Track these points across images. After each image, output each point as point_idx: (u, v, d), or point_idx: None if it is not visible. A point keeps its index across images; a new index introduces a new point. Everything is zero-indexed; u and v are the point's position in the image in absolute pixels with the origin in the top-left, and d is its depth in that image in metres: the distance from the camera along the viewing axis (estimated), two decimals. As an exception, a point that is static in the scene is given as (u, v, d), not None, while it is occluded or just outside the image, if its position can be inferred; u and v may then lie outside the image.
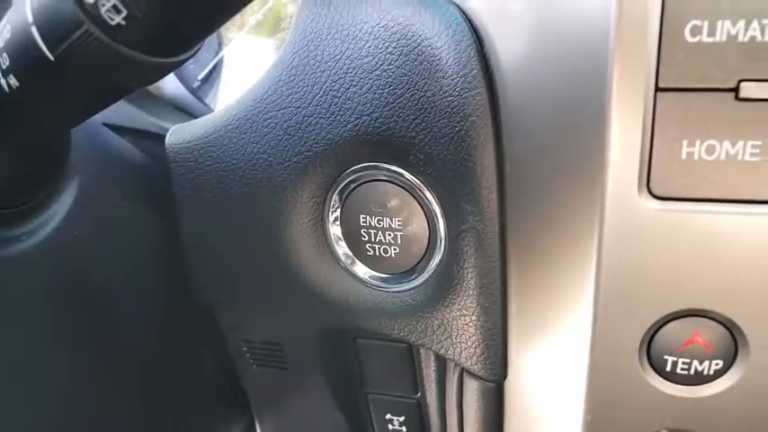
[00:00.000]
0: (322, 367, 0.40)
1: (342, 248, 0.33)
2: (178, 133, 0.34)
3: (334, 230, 0.33)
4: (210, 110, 0.47)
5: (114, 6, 0.18)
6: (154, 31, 0.19)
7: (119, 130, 0.38)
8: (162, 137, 0.35)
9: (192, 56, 0.23)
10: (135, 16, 0.18)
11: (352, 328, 0.36)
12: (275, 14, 0.43)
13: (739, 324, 0.23)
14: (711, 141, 0.22)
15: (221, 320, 0.39)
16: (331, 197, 0.32)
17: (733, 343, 0.24)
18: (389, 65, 0.29)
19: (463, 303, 0.31)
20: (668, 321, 0.24)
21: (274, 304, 0.36)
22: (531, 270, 0.29)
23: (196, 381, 0.41)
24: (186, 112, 0.47)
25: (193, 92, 0.47)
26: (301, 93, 0.31)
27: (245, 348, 0.40)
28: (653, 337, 0.25)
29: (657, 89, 0.21)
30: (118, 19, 0.19)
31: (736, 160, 0.22)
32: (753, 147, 0.21)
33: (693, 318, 0.24)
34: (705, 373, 0.24)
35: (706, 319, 0.24)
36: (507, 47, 0.27)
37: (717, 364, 0.24)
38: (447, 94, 0.28)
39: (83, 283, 0.31)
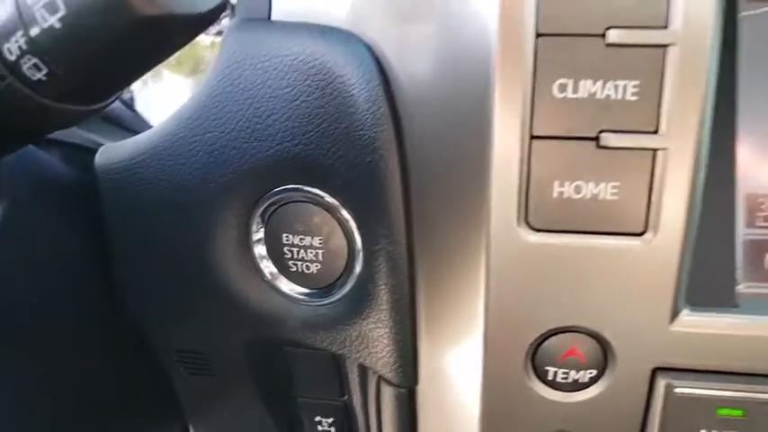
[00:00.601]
0: (252, 374, 0.43)
1: (267, 266, 0.36)
2: (107, 153, 0.36)
3: (259, 250, 0.36)
4: (142, 119, 0.49)
5: (35, 65, 0.21)
6: (74, 84, 0.21)
7: (48, 144, 0.39)
8: (92, 150, 0.36)
9: (114, 100, 0.25)
10: (55, 73, 0.21)
11: (279, 339, 0.39)
12: (194, 57, 0.45)
13: (607, 338, 0.27)
14: (578, 182, 0.25)
15: (152, 333, 0.41)
16: (255, 218, 0.35)
17: (603, 354, 0.28)
18: (308, 96, 0.32)
19: (377, 317, 0.34)
20: (549, 336, 0.28)
21: (203, 319, 0.38)
22: (437, 288, 0.32)
23: (129, 390, 0.43)
24: (117, 124, 0.48)
25: (125, 102, 0.48)
26: (225, 118, 0.33)
27: (175, 358, 0.43)
28: (537, 349, 0.28)
29: (532, 137, 0.25)
30: (39, 75, 0.21)
31: (599, 198, 0.26)
32: (612, 187, 0.25)
33: (570, 333, 0.28)
34: (581, 380, 0.28)
35: (580, 334, 0.28)
36: (410, 84, 0.30)
37: (591, 373, 0.28)
38: (359, 127, 0.31)
39: (10, 303, 0.33)
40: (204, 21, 0.21)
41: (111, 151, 0.36)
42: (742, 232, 0.29)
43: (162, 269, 0.37)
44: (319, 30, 0.32)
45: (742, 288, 0.29)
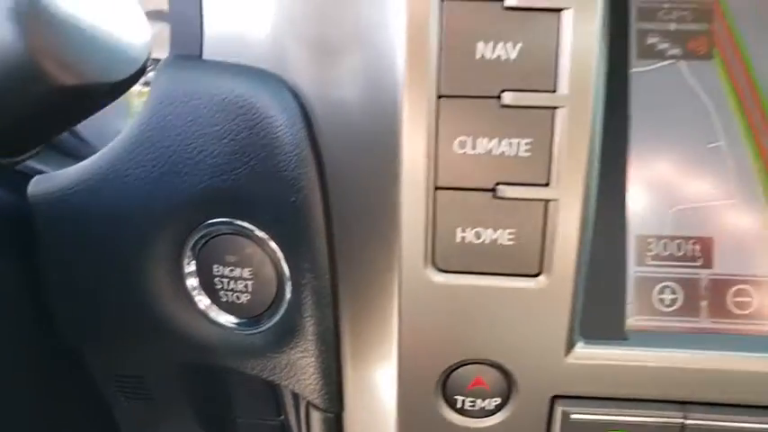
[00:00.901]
0: (191, 398, 0.45)
1: (199, 296, 0.38)
2: (41, 183, 0.37)
3: (191, 281, 0.37)
4: (88, 144, 0.49)
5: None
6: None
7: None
8: (29, 176, 0.37)
9: (39, 151, 0.27)
10: None
11: (214, 365, 0.41)
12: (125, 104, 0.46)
13: (509, 369, 0.30)
14: (478, 229, 0.28)
15: (88, 359, 0.42)
16: (186, 250, 0.37)
17: (507, 384, 0.31)
18: (236, 135, 0.33)
19: (304, 347, 0.36)
20: (457, 368, 0.30)
21: (140, 346, 0.40)
22: (360, 319, 0.35)
23: (64, 420, 0.44)
24: (59, 150, 0.49)
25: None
26: (158, 152, 0.35)
27: (115, 384, 0.44)
28: (447, 379, 0.31)
29: (436, 188, 0.28)
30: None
31: (498, 243, 0.28)
32: (509, 233, 0.28)
33: (476, 365, 0.30)
34: (487, 408, 0.31)
35: (485, 366, 0.30)
36: (332, 127, 0.32)
37: (496, 401, 0.31)
38: (284, 168, 0.33)
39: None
40: (120, 88, 0.23)
41: (45, 182, 0.37)
42: (633, 270, 0.32)
43: (96, 298, 0.38)
44: (247, 71, 0.34)
45: (632, 321, 0.32)
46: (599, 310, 0.30)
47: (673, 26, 0.33)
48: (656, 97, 0.32)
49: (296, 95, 0.32)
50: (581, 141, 0.26)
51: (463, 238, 0.28)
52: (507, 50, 0.26)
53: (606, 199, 0.31)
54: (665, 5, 0.33)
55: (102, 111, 0.33)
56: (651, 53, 0.32)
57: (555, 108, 0.26)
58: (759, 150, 0.32)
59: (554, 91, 0.26)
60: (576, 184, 0.27)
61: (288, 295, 0.36)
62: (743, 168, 0.32)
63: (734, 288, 0.32)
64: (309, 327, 0.34)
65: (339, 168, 0.31)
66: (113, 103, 0.34)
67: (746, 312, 0.32)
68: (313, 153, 0.31)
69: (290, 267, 0.34)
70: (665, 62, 0.32)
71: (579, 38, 0.26)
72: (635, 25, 0.32)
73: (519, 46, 0.26)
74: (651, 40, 0.32)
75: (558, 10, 0.26)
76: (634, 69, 0.32)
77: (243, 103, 0.33)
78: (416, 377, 0.30)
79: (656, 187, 0.32)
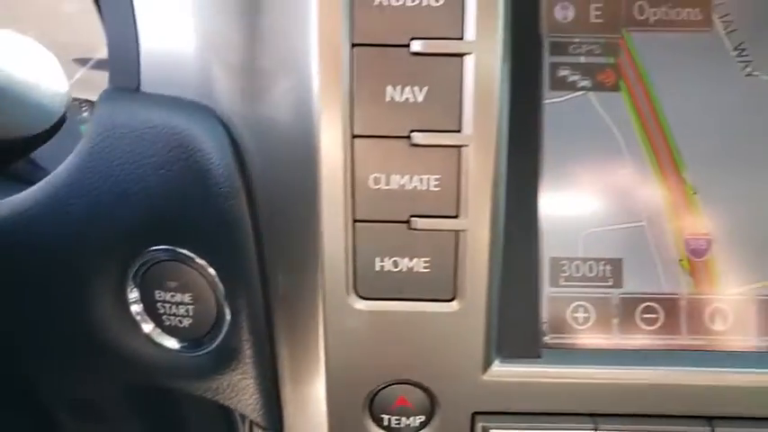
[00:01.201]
0: (142, 419, 0.46)
1: (143, 321, 0.39)
2: (-20, 213, 0.38)
3: (135, 307, 0.39)
4: (37, 166, 0.50)
5: None
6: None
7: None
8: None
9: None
10: None
11: (162, 387, 0.42)
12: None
13: (431, 388, 0.32)
14: (396, 258, 0.30)
15: (39, 385, 0.43)
16: (129, 276, 0.38)
17: (430, 402, 0.33)
18: (171, 166, 0.35)
19: (244, 369, 0.38)
20: (383, 388, 0.32)
21: (88, 372, 0.41)
22: (296, 342, 0.36)
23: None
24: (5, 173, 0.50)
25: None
26: (98, 183, 0.36)
27: (65, 407, 0.45)
28: (374, 399, 0.33)
29: (355, 221, 0.30)
30: None
31: (414, 271, 0.30)
32: (424, 262, 0.30)
33: (400, 385, 0.32)
34: (412, 425, 0.33)
35: (408, 386, 0.32)
36: (262, 159, 0.34)
37: (420, 419, 0.33)
38: (216, 198, 0.34)
39: None
40: (38, 141, 0.24)
41: (-15, 211, 0.38)
42: (547, 291, 0.34)
43: (42, 326, 0.39)
44: (181, 103, 0.35)
45: (548, 339, 0.34)
46: (515, 330, 0.33)
47: (583, 59, 0.35)
48: (567, 126, 0.34)
49: (226, 126, 0.34)
50: (486, 176, 0.29)
51: (382, 266, 0.29)
52: (415, 93, 0.28)
53: (520, 225, 0.33)
54: (576, 40, 0.35)
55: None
56: (563, 85, 0.35)
57: (461, 146, 0.28)
58: (662, 175, 0.34)
59: (459, 131, 0.28)
60: (484, 215, 0.29)
61: (227, 319, 0.37)
62: (649, 192, 0.34)
63: (642, 305, 0.34)
64: (247, 349, 0.36)
65: (269, 197, 0.33)
66: (66, 126, 0.35)
67: (654, 328, 0.34)
68: (243, 183, 0.33)
69: (226, 293, 0.36)
70: (576, 93, 0.35)
71: (481, 80, 0.28)
72: (547, 59, 0.35)
73: (425, 89, 0.28)
74: (563, 73, 0.35)
75: (461, 55, 0.28)
76: (547, 100, 0.34)
77: (177, 134, 0.34)
78: (344, 398, 0.32)
79: (569, 212, 0.34)
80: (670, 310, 0.34)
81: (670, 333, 0.34)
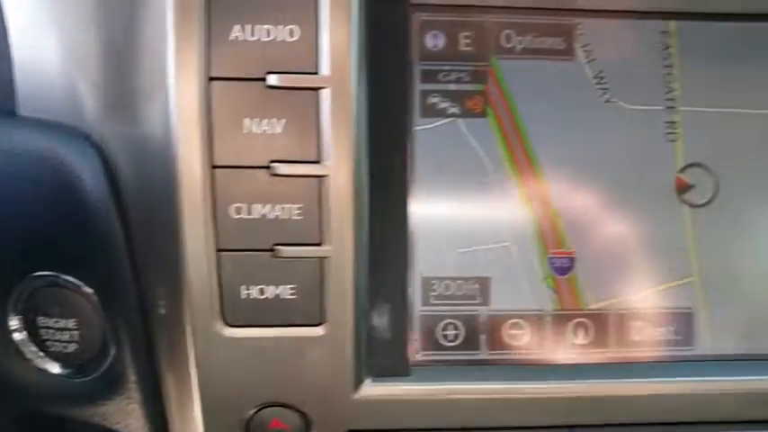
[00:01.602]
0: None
1: (28, 348, 0.39)
2: None
3: (18, 335, 0.38)
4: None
5: None
6: None
7: None
8: None
9: None
10: None
11: (50, 414, 0.42)
12: None
13: (304, 410, 0.33)
14: (261, 286, 0.31)
15: None
16: (11, 303, 0.38)
17: (305, 422, 0.33)
18: (50, 191, 0.35)
19: (129, 394, 0.38)
20: (257, 411, 0.33)
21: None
22: (178, 366, 0.37)
23: None
24: None
25: None
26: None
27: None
28: (250, 422, 0.33)
29: (218, 250, 0.30)
30: None
31: (281, 298, 0.31)
32: (291, 288, 0.31)
33: (274, 408, 0.33)
34: (286, 445, 0.34)
35: (282, 408, 0.33)
36: (135, 183, 0.34)
37: (294, 440, 0.34)
38: (92, 221, 0.34)
39: None
40: None
41: None
42: (418, 309, 0.35)
43: None
44: (56, 127, 0.35)
45: (419, 357, 0.35)
46: (386, 349, 0.34)
47: (452, 87, 0.36)
48: (437, 152, 0.36)
49: (100, 148, 0.34)
50: (347, 204, 0.30)
51: (248, 294, 0.30)
52: (273, 125, 0.29)
53: (391, 246, 0.34)
54: (446, 68, 0.36)
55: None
56: (433, 112, 0.36)
57: (321, 176, 0.29)
58: (527, 197, 0.36)
59: (319, 161, 0.29)
60: (347, 241, 0.30)
61: (112, 345, 0.37)
62: (514, 214, 0.36)
63: (509, 322, 0.36)
64: (131, 375, 0.36)
65: (144, 220, 0.33)
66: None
67: (520, 344, 0.36)
68: (116, 206, 0.33)
69: (107, 318, 0.36)
70: (446, 120, 0.36)
71: (339, 113, 0.29)
72: (418, 86, 0.36)
73: (283, 121, 0.29)
74: (433, 100, 0.36)
75: (317, 89, 0.29)
76: (417, 127, 0.36)
77: (53, 159, 0.34)
78: (220, 422, 0.33)
79: (440, 233, 0.36)
80: (535, 327, 0.36)
81: (536, 348, 0.36)
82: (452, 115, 0.36)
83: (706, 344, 0.37)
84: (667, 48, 0.37)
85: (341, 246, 0.30)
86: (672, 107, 0.37)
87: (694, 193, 0.37)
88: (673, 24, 0.37)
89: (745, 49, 0.38)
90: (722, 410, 0.35)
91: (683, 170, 0.37)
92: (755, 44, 0.38)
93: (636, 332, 0.36)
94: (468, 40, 0.37)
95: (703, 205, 0.37)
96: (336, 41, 0.28)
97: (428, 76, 0.36)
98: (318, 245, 0.30)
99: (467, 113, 0.36)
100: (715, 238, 0.37)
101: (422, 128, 0.36)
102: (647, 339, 0.36)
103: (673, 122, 0.37)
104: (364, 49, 0.30)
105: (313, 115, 0.29)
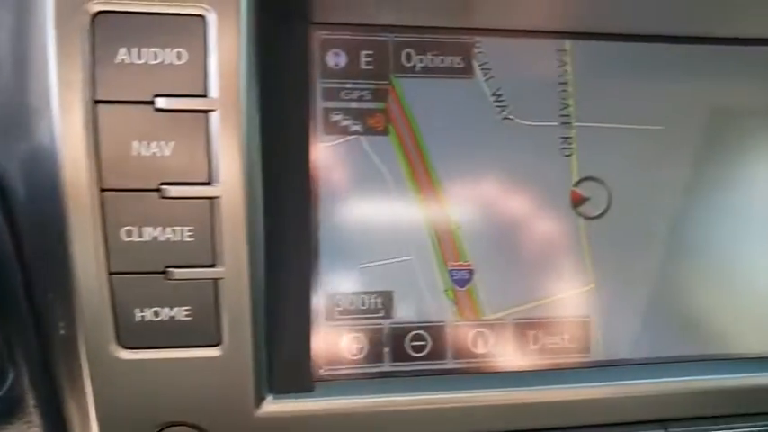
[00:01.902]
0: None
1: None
2: None
3: None
4: None
5: None
6: None
7: None
8: None
9: None
10: None
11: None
12: None
13: (206, 428, 0.33)
14: (156, 308, 0.31)
15: None
16: None
17: (206, 441, 0.33)
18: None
19: (29, 418, 0.37)
20: (161, 430, 0.33)
21: None
22: (78, 389, 0.36)
23: None
24: None
25: None
26: None
27: None
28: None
29: (110, 273, 0.30)
30: None
31: (176, 319, 0.31)
32: (186, 310, 0.31)
33: (176, 427, 0.33)
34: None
35: (185, 427, 0.33)
36: (29, 207, 0.33)
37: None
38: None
39: None
40: None
41: None
42: (322, 325, 0.36)
43: None
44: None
45: (323, 372, 0.36)
46: (289, 365, 0.34)
47: (354, 105, 0.37)
48: (340, 169, 0.36)
49: None
50: (240, 226, 0.30)
51: (143, 317, 0.30)
52: (162, 148, 0.29)
53: (294, 263, 0.35)
54: (347, 86, 0.37)
55: None
56: (335, 129, 0.37)
57: (213, 198, 0.29)
58: (428, 211, 0.37)
59: (209, 183, 0.29)
60: (242, 262, 0.30)
61: (9, 368, 0.36)
62: (416, 230, 0.37)
63: (411, 334, 0.37)
64: (30, 398, 0.36)
65: (37, 243, 0.33)
66: None
67: (422, 354, 0.37)
68: (10, 230, 0.32)
69: (4, 342, 0.35)
70: (348, 137, 0.37)
71: (228, 134, 0.29)
72: (320, 104, 0.36)
73: (172, 144, 0.29)
74: (335, 118, 0.37)
75: (206, 111, 0.29)
76: (320, 144, 0.36)
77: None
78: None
79: (343, 249, 0.36)
80: (437, 337, 0.37)
81: (437, 358, 0.37)
82: (355, 133, 0.37)
83: (601, 350, 0.38)
84: (563, 65, 0.39)
85: (235, 266, 0.30)
86: (567, 123, 0.39)
87: (589, 205, 0.39)
88: (568, 43, 0.39)
89: (636, 67, 0.40)
90: (618, 413, 0.37)
91: (578, 184, 0.38)
92: (645, 63, 0.40)
93: (534, 341, 0.38)
94: (369, 59, 0.37)
95: (598, 217, 0.39)
96: (225, 64, 0.29)
97: (330, 94, 0.37)
98: (212, 266, 0.30)
99: (369, 131, 0.37)
100: (609, 249, 0.39)
101: (325, 145, 0.36)
102: (545, 348, 0.38)
103: (568, 138, 0.38)
104: (257, 69, 0.30)
105: (202, 137, 0.29)
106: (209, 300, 0.30)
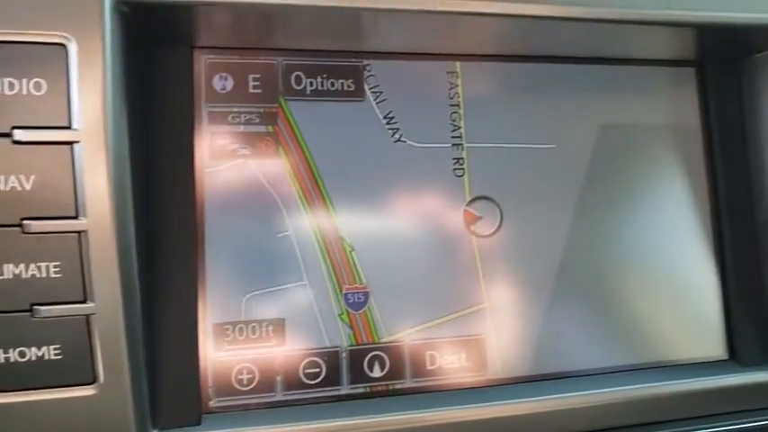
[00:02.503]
0: None
1: None
2: None
3: None
4: None
5: None
6: None
7: None
8: None
9: None
10: None
11: None
12: None
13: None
14: (22, 348, 0.29)
15: None
16: None
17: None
18: None
19: None
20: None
21: None
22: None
23: None
24: None
25: None
26: None
27: None
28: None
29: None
30: None
31: (45, 359, 0.29)
32: (54, 349, 0.29)
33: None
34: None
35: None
36: None
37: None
38: None
39: None
40: None
41: None
42: (211, 356, 0.35)
43: None
44: None
45: (212, 404, 0.35)
46: (175, 399, 0.33)
47: (242, 128, 0.36)
48: (229, 193, 0.36)
49: None
50: (112, 259, 0.29)
51: (7, 358, 0.29)
52: (21, 182, 0.27)
53: (178, 295, 0.34)
54: (234, 110, 0.36)
55: None
56: (223, 153, 0.36)
57: (80, 232, 0.28)
58: (321, 235, 0.37)
59: (76, 217, 0.28)
60: (114, 297, 0.29)
61: None
62: (309, 254, 0.37)
63: (305, 361, 0.36)
64: None
65: None
66: None
67: (317, 381, 0.36)
68: None
69: None
70: (237, 161, 0.36)
71: (95, 166, 0.28)
72: (207, 129, 0.36)
73: (33, 177, 0.28)
74: (222, 142, 0.36)
75: (70, 143, 0.28)
76: (208, 169, 0.35)
77: None
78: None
79: (233, 277, 0.35)
80: (331, 363, 0.36)
81: (332, 385, 0.36)
82: (243, 156, 0.36)
83: (497, 368, 0.39)
84: (454, 87, 0.39)
85: (108, 301, 0.29)
86: (458, 144, 0.39)
87: (481, 224, 0.39)
88: (458, 65, 0.39)
89: (526, 87, 0.41)
90: (516, 431, 0.38)
91: (470, 203, 0.39)
92: (535, 83, 0.41)
93: (430, 361, 0.38)
94: (257, 82, 0.37)
95: (490, 236, 0.39)
96: (89, 94, 0.28)
97: (217, 118, 0.36)
98: (83, 302, 0.29)
99: (258, 154, 0.36)
100: (502, 267, 0.39)
101: (211, 170, 0.36)
102: (442, 368, 0.38)
103: (459, 159, 0.39)
104: (128, 97, 0.29)
105: (67, 170, 0.28)
106: (81, 336, 0.29)
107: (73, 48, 0.27)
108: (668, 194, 0.42)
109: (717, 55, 0.42)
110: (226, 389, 0.35)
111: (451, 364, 0.38)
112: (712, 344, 0.42)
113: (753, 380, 0.40)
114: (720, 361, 0.42)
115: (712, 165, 0.43)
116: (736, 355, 0.42)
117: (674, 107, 0.43)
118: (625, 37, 0.39)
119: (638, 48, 0.41)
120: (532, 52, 0.41)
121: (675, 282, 0.42)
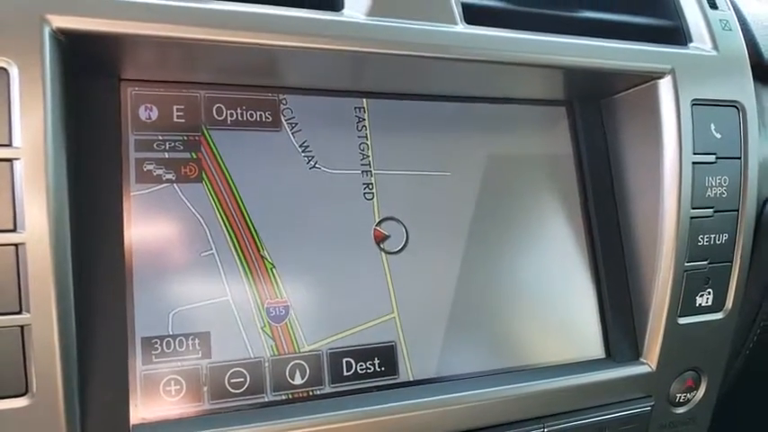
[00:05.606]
0: None
1: None
2: None
3: None
4: None
5: None
6: None
7: None
8: None
9: None
10: None
11: None
12: None
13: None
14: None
15: None
16: None
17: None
18: None
19: None
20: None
21: None
22: None
23: None
24: None
25: None
26: None
27: None
28: None
29: None
30: None
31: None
32: None
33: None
34: None
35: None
36: None
37: None
38: None
39: None
40: None
41: None
42: (139, 369, 0.37)
43: None
44: None
45: (142, 416, 0.37)
46: (103, 411, 0.35)
47: (167, 155, 0.40)
48: (154, 216, 0.39)
49: None
50: (47, 272, 0.31)
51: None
52: (-39, 197, 0.30)
53: (107, 310, 0.36)
54: (159, 137, 0.40)
55: None
56: (149, 178, 0.39)
57: (18, 245, 0.30)
58: (243, 254, 0.40)
59: (14, 230, 0.30)
60: (49, 309, 0.31)
61: None
62: (233, 271, 0.40)
63: (230, 371, 0.39)
64: None
65: None
66: None
67: (241, 390, 0.39)
68: None
69: None
70: (162, 185, 0.39)
71: (33, 183, 0.31)
72: (133, 155, 0.39)
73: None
74: (148, 167, 0.39)
75: (10, 160, 0.30)
76: (134, 193, 0.39)
77: None
78: None
79: (160, 294, 0.38)
80: (255, 373, 0.40)
81: (256, 393, 0.40)
82: (168, 181, 0.40)
83: (408, 371, 0.44)
84: (361, 120, 0.45)
85: (43, 313, 0.31)
86: (367, 171, 0.44)
87: (390, 242, 0.44)
88: (365, 101, 0.45)
89: (424, 121, 0.47)
90: (423, 429, 0.42)
91: (379, 223, 0.44)
92: (432, 118, 0.47)
93: (347, 368, 0.42)
94: (180, 113, 0.41)
95: (397, 252, 0.44)
96: (29, 115, 0.31)
97: (142, 145, 0.40)
98: (17, 313, 0.31)
99: (182, 179, 0.40)
100: (409, 280, 0.45)
101: (138, 193, 0.39)
102: (358, 373, 0.42)
103: (369, 184, 0.44)
104: (65, 120, 0.32)
105: (7, 185, 0.30)
106: (15, 347, 0.31)
107: (14, 71, 0.31)
108: (547, 215, 0.50)
109: (583, 95, 0.51)
110: (153, 400, 0.37)
111: (366, 370, 0.42)
112: (592, 345, 0.49)
113: (626, 373, 0.48)
114: (598, 359, 0.49)
115: (584, 188, 0.51)
116: (612, 354, 0.49)
117: (550, 140, 0.51)
118: (507, 79, 0.47)
119: (518, 88, 0.49)
120: (428, 91, 0.47)
121: (557, 293, 0.49)
